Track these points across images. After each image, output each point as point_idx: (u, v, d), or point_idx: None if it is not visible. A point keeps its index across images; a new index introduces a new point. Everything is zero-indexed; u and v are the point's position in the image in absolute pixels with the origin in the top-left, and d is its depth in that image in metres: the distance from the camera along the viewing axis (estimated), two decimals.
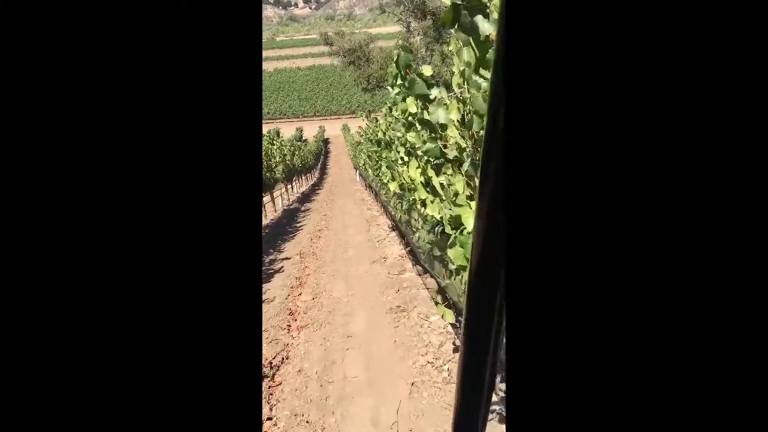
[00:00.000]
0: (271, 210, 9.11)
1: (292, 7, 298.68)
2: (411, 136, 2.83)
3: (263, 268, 4.79)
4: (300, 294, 3.82)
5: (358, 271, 4.41)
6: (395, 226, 5.84)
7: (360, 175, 17.24)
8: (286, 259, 5.11)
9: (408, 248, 4.77)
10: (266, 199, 9.10)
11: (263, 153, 7.89)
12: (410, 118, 2.84)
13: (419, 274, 3.89)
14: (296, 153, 13.25)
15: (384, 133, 4.34)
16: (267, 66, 74.18)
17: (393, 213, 4.65)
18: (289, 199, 11.12)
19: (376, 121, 5.60)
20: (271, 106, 48.43)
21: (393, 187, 3.80)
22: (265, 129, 42.05)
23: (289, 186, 12.01)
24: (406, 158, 3.12)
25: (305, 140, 33.76)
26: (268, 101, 50.90)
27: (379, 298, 3.51)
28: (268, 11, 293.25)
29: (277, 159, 9.72)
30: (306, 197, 12.24)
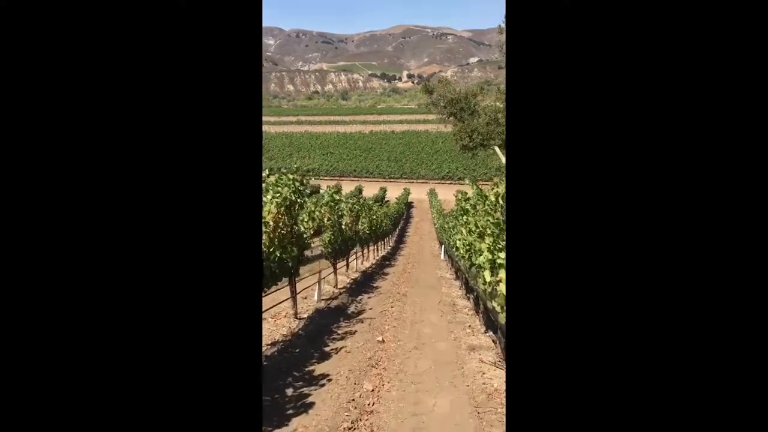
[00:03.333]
0: (287, 318, 4.94)
1: (396, 81, 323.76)
2: None
3: None
4: None
5: None
6: None
7: (447, 253, 13.05)
8: None
9: None
10: (280, 294, 5.10)
11: (289, 214, 4.14)
12: None
13: None
14: (363, 215, 9.54)
15: None
16: (364, 128, 76.41)
17: None
18: (336, 284, 7.17)
19: None
20: (359, 165, 47.50)
21: None
22: (348, 187, 40.94)
23: (343, 262, 8.17)
24: None
25: (387, 201, 30.92)
26: (357, 159, 50.32)
27: None
28: (374, 83, 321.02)
29: (326, 221, 5.98)
30: (366, 281, 8.24)
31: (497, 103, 15.93)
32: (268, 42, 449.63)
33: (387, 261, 12.11)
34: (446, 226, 10.53)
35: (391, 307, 5.85)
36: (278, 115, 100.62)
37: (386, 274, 9.36)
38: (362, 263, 10.28)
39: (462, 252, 5.73)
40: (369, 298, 6.55)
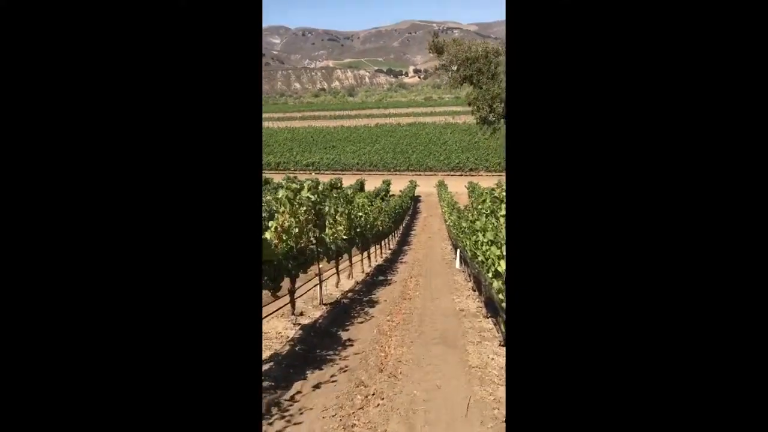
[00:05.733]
0: None
1: (403, 76, 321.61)
2: None
3: None
4: None
5: None
6: None
7: (463, 260, 9.57)
8: None
9: None
10: None
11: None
12: None
13: None
14: (336, 213, 6.03)
15: None
16: (369, 122, 72.98)
17: None
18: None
19: None
20: (363, 158, 44.00)
21: None
22: (349, 180, 37.42)
23: (281, 303, 4.63)
24: None
25: (392, 195, 27.49)
26: (360, 153, 46.84)
27: None
28: (381, 79, 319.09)
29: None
30: (329, 326, 4.70)
31: None
32: (274, 41, 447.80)
33: (382, 275, 8.62)
34: (464, 225, 7.03)
35: None
36: (283, 112, 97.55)
37: (373, 305, 5.86)
38: (337, 285, 6.78)
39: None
40: (317, 391, 3.05)
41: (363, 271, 8.55)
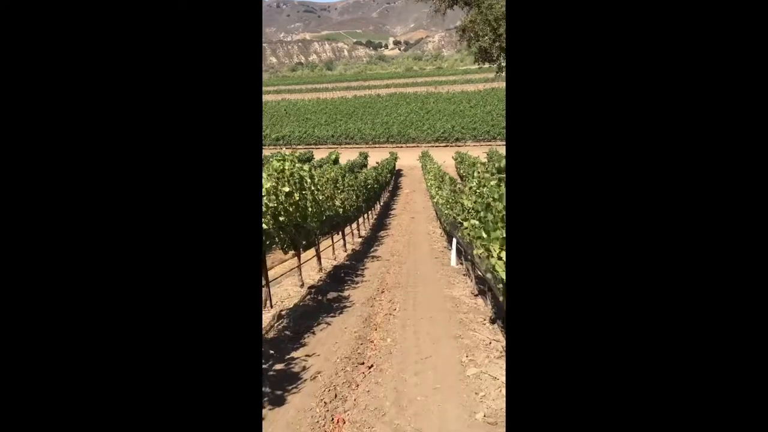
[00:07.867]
0: None
1: (383, 48, 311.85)
2: None
3: None
4: None
5: None
6: None
7: (463, 255, 6.38)
8: None
9: None
10: None
11: None
12: None
13: None
14: None
15: None
16: (347, 94, 68.24)
17: None
18: None
19: None
20: (338, 129, 40.05)
21: None
22: (321, 154, 33.49)
23: None
24: None
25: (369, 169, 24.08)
26: (336, 124, 42.80)
27: None
28: (360, 51, 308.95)
29: None
30: None
31: None
32: None
33: (336, 288, 5.33)
34: (469, 204, 3.79)
35: None
36: None
37: (289, 391, 2.59)
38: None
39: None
40: None
41: (302, 284, 5.24)
